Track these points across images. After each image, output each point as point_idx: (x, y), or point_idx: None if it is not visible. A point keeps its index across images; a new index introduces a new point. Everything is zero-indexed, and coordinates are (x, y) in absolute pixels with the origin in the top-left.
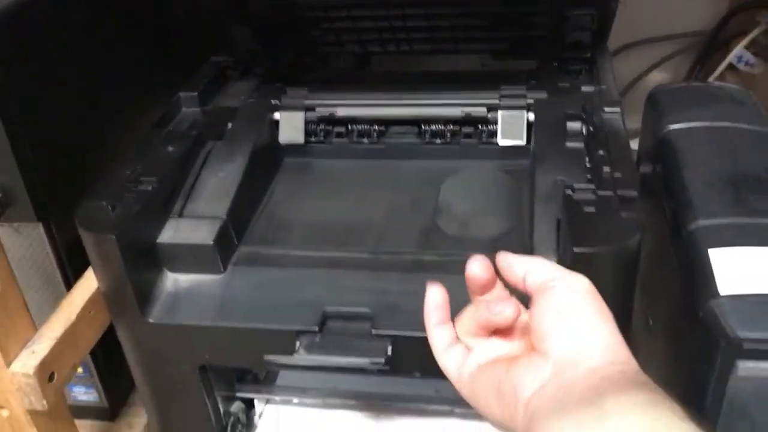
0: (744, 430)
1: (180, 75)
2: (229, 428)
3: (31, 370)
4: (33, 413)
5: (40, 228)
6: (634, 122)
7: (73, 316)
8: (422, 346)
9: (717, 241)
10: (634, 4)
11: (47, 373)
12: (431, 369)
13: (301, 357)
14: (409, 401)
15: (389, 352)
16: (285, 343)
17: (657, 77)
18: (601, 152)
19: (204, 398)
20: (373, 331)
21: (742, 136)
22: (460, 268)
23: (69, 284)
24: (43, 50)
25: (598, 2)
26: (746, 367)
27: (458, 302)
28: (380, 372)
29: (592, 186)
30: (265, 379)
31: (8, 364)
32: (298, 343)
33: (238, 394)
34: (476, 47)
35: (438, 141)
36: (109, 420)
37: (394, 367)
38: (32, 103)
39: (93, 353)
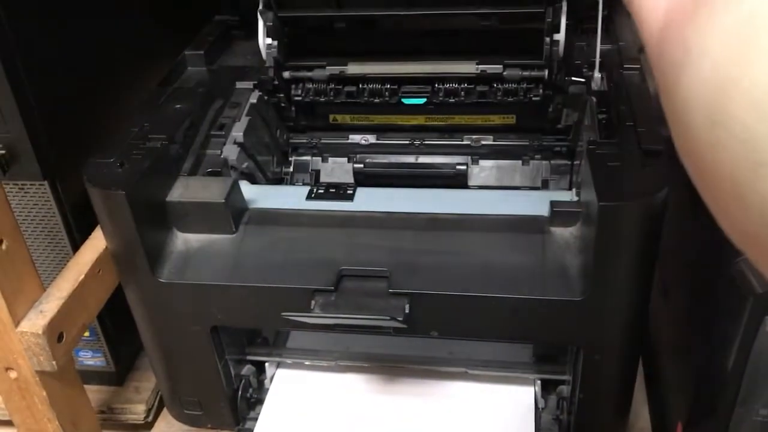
0: None
1: (185, 34)
2: (240, 391)
3: (39, 330)
4: (42, 375)
5: (45, 186)
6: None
7: (82, 276)
8: (440, 303)
9: None
10: None
11: (56, 333)
12: (449, 328)
13: (318, 315)
14: (423, 363)
15: (407, 310)
16: (300, 302)
17: None
18: (623, 108)
19: (215, 361)
20: (390, 290)
21: None
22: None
23: (75, 245)
24: (52, 6)
25: None
26: None
27: (474, 264)
28: (397, 331)
29: (615, 141)
30: (275, 342)
31: (16, 323)
32: (313, 302)
33: (249, 357)
34: None
35: (452, 99)
36: (117, 384)
37: (411, 325)
38: (39, 59)
39: (99, 316)
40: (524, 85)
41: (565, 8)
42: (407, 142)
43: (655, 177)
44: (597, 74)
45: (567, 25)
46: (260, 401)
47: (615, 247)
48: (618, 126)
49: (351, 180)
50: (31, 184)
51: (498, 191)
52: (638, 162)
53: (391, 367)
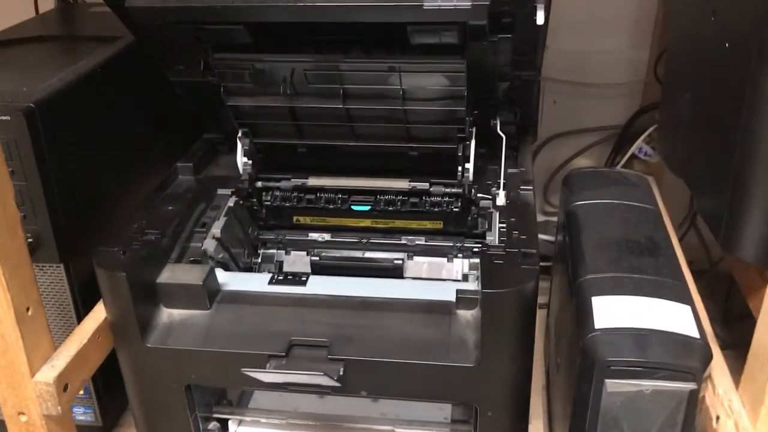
0: None
1: (177, 148)
2: None
3: (51, 380)
4: (47, 419)
5: (61, 268)
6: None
7: (85, 340)
8: (368, 367)
9: (599, 291)
10: (563, 102)
11: (63, 383)
12: (375, 388)
13: (270, 371)
14: (358, 422)
15: (341, 372)
16: (258, 364)
17: (582, 162)
18: (512, 219)
19: (187, 415)
20: (330, 356)
21: (631, 211)
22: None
23: (79, 315)
24: (75, 125)
25: (520, 103)
26: (613, 384)
27: (399, 338)
28: (334, 390)
29: (503, 245)
30: (238, 403)
31: (33, 374)
32: (268, 365)
33: (215, 414)
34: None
35: (391, 207)
36: None
37: (345, 385)
38: (64, 169)
39: (93, 378)
40: (446, 199)
41: (473, 146)
42: (356, 240)
43: (527, 272)
44: (501, 193)
45: (482, 153)
46: None
47: (496, 324)
48: (508, 234)
49: (309, 270)
50: (49, 266)
51: (418, 281)
52: (517, 261)
53: (333, 425)
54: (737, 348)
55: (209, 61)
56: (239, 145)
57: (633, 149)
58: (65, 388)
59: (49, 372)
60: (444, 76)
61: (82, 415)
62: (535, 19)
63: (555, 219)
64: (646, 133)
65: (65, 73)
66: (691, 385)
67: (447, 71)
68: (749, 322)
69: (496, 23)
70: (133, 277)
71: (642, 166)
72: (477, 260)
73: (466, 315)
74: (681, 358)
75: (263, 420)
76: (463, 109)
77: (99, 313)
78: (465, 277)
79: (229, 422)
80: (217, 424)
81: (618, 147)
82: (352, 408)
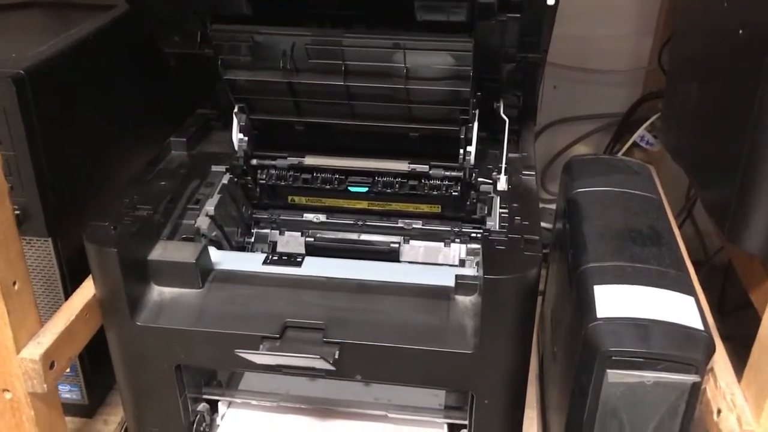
0: (615, 429)
1: (171, 123)
2: (195, 425)
3: (37, 357)
4: (33, 397)
5: (49, 242)
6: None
7: (72, 317)
8: (364, 351)
9: (601, 280)
10: (564, 88)
11: (49, 361)
12: (371, 372)
13: (264, 353)
14: (351, 406)
15: (336, 356)
16: (251, 346)
17: (581, 149)
18: (515, 205)
19: (177, 396)
20: (325, 339)
21: (633, 199)
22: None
23: (67, 292)
24: (65, 95)
25: (524, 86)
26: (615, 375)
27: (396, 322)
28: (329, 373)
29: (505, 230)
30: (228, 384)
31: (18, 351)
32: (261, 346)
33: (205, 396)
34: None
35: (389, 190)
36: (88, 417)
37: (340, 369)
38: (54, 141)
39: (79, 356)
40: (446, 182)
41: (476, 128)
42: (352, 222)
43: (530, 259)
44: (502, 178)
45: (484, 136)
46: None
47: (497, 311)
48: (510, 219)
49: (303, 251)
50: (37, 239)
51: (416, 265)
52: (519, 248)
53: (325, 408)
54: (732, 340)
55: (207, 32)
56: (235, 120)
57: (635, 137)
58: (51, 366)
59: (36, 349)
60: (450, 54)
61: (68, 393)
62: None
63: (552, 206)
64: (649, 121)
65: (57, 41)
66: (693, 378)
67: (453, 50)
68: (744, 313)
69: (505, 2)
70: (124, 253)
71: (642, 154)
72: (474, 246)
73: (465, 301)
74: (684, 349)
75: (254, 402)
76: (468, 89)
77: (87, 290)
78: (462, 263)
79: (219, 404)
80: (207, 406)
81: (618, 135)
82: (344, 392)
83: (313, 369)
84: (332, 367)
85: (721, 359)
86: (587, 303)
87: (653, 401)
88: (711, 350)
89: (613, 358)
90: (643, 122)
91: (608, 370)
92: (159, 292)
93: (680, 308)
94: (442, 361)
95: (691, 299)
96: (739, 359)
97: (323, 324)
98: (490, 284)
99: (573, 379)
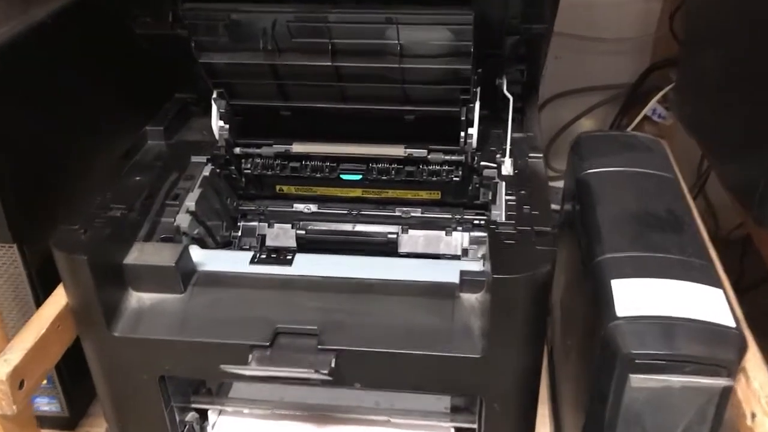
0: None
1: (146, 110)
2: None
3: (3, 377)
4: (2, 418)
5: (14, 249)
6: (563, 164)
7: (43, 330)
8: (362, 358)
9: (618, 273)
10: (566, 58)
11: (18, 380)
12: (371, 380)
13: (254, 368)
14: (351, 412)
15: (333, 365)
16: (239, 356)
17: (586, 124)
18: (522, 192)
19: (162, 407)
20: (319, 346)
21: (648, 180)
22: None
23: (38, 302)
24: (24, 84)
25: (528, 59)
26: (638, 379)
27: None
28: (325, 383)
29: (513, 222)
30: (218, 392)
31: None
32: (250, 357)
33: (194, 405)
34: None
35: (384, 177)
36: (69, 429)
37: (337, 378)
38: (12, 136)
39: (57, 366)
40: (446, 167)
41: (477, 108)
42: (345, 212)
43: (542, 254)
44: (507, 161)
45: (485, 115)
46: None
47: (507, 313)
48: (518, 208)
49: (294, 244)
50: (1, 246)
51: (417, 260)
52: (530, 241)
53: (322, 415)
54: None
55: (178, 11)
56: (214, 107)
57: (646, 110)
58: (21, 385)
59: (2, 367)
60: (448, 29)
61: (46, 405)
62: None
63: (558, 184)
64: (662, 93)
65: (14, 24)
66: (724, 381)
67: (452, 23)
68: (762, 290)
69: None
70: (96, 259)
71: (653, 128)
72: (478, 234)
73: (471, 298)
74: (714, 350)
75: (246, 410)
76: (469, 67)
77: (59, 298)
78: (465, 252)
79: (209, 412)
80: (196, 415)
81: (626, 108)
82: (343, 397)
83: (308, 379)
84: (329, 378)
85: (753, 356)
86: (605, 299)
87: (680, 407)
88: (743, 349)
89: (636, 361)
90: (652, 93)
91: (631, 375)
92: (137, 298)
93: (708, 303)
94: (448, 366)
95: (720, 292)
96: (762, 338)
97: (317, 329)
98: (499, 284)
99: (591, 383)
